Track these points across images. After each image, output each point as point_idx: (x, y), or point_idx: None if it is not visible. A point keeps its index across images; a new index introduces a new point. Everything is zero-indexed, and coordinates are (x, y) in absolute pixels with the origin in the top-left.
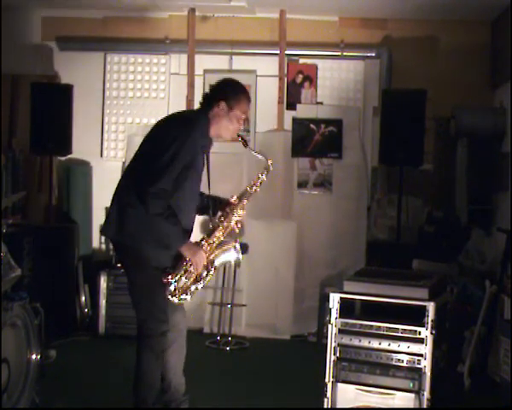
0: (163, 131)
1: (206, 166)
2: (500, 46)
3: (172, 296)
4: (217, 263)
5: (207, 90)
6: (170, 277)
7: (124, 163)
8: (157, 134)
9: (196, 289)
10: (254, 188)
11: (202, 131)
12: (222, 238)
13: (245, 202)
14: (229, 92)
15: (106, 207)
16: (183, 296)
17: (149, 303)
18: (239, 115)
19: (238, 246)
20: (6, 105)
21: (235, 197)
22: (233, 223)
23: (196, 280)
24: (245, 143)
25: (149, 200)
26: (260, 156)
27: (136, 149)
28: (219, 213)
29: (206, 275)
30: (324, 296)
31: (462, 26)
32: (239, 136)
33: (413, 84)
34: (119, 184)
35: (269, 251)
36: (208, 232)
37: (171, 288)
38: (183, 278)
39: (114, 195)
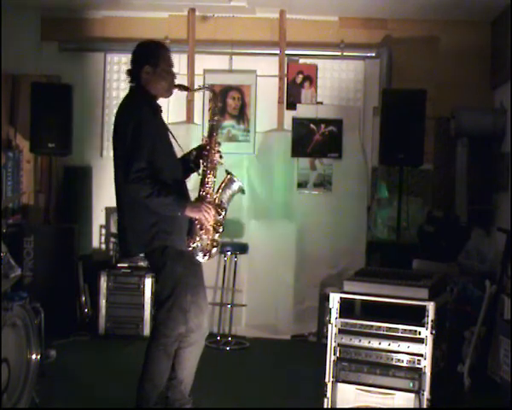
0: (116, 130)
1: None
2: (500, 46)
3: (205, 256)
4: (225, 201)
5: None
6: (191, 243)
7: None
8: (114, 136)
9: (220, 236)
10: (216, 118)
11: (144, 103)
12: (214, 179)
13: (215, 134)
14: (146, 54)
15: (106, 208)
16: (213, 251)
17: (171, 303)
18: (166, 68)
19: (234, 176)
20: (6, 105)
21: (204, 139)
22: (216, 158)
23: (215, 229)
24: (186, 88)
25: (134, 187)
26: (206, 87)
27: None
28: (201, 161)
29: (223, 218)
30: (324, 296)
31: (462, 26)
32: (176, 86)
33: (413, 85)
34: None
35: (269, 251)
36: (201, 181)
37: (198, 251)
38: (204, 236)
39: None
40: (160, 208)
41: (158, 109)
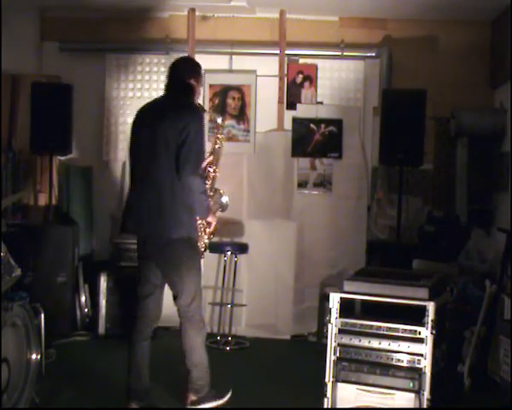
0: (179, 121)
1: None
2: (500, 46)
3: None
4: (215, 211)
5: (168, 71)
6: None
7: (124, 163)
8: (173, 124)
9: (209, 240)
10: (218, 145)
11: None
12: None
13: (218, 158)
14: (195, 70)
15: (105, 207)
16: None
17: (198, 293)
18: (201, 87)
19: (222, 190)
20: (6, 105)
21: (211, 157)
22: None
23: (210, 235)
24: (204, 110)
25: (196, 181)
26: (216, 116)
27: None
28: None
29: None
30: (324, 296)
31: (462, 26)
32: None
33: (413, 84)
34: (145, 182)
35: (269, 251)
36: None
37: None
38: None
39: (148, 192)
40: (203, 206)
41: None
